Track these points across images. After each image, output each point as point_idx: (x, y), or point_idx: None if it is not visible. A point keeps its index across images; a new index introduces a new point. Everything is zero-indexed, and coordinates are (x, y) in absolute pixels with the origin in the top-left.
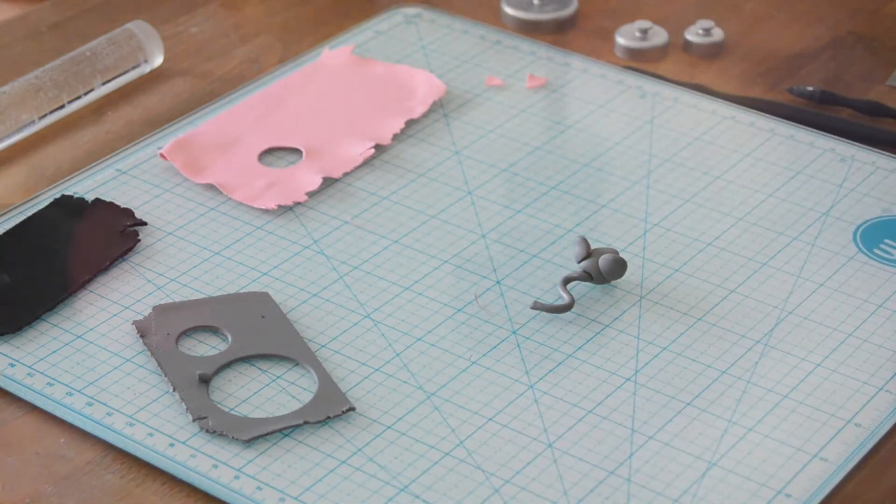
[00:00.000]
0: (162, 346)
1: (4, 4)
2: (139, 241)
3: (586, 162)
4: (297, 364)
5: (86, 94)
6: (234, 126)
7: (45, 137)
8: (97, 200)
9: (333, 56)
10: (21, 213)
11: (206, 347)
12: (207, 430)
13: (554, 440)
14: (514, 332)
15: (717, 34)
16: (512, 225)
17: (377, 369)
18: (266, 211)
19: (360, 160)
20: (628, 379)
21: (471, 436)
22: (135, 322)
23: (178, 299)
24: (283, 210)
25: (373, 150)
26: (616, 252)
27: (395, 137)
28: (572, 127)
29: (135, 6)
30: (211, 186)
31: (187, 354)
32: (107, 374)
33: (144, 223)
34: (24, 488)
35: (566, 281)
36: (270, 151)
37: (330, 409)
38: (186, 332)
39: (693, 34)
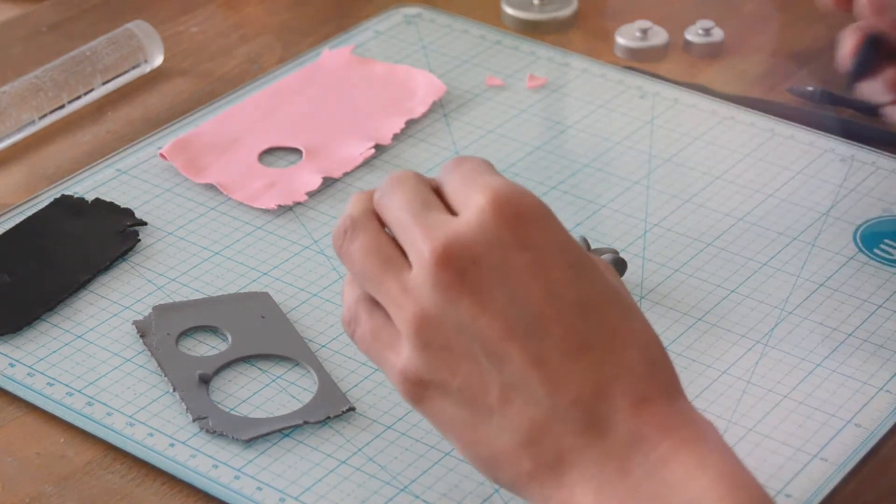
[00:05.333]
0: (162, 346)
1: (4, 4)
2: (139, 241)
3: (586, 162)
4: (297, 364)
5: (86, 94)
6: (234, 126)
7: (45, 137)
8: (97, 200)
9: (333, 56)
10: (21, 213)
11: (206, 347)
12: (207, 430)
13: None
14: None
15: (717, 34)
16: None
17: (377, 369)
18: (266, 211)
19: (360, 160)
20: None
21: None
22: (135, 322)
23: (178, 299)
24: (283, 210)
25: (373, 150)
26: (616, 252)
27: (395, 137)
28: (572, 127)
29: (135, 6)
30: (211, 186)
31: (187, 354)
32: (107, 374)
33: (144, 223)
34: (24, 488)
35: None
36: (270, 151)
37: (330, 409)
38: (186, 332)
39: (693, 34)
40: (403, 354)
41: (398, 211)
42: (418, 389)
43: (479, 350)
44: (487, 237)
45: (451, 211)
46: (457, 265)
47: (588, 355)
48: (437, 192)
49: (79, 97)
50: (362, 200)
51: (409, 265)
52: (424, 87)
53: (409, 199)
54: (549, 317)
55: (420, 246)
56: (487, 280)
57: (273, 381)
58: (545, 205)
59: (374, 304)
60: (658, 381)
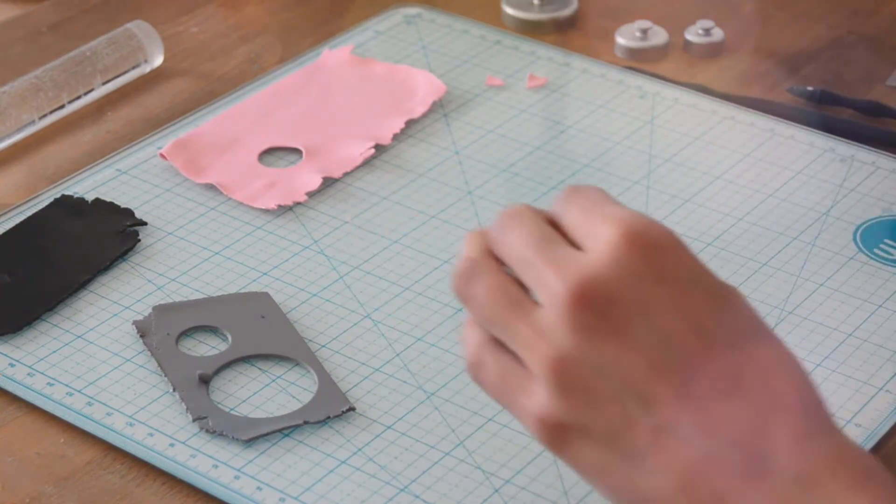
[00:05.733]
0: (162, 346)
1: (4, 4)
2: (139, 241)
3: (586, 162)
4: (297, 364)
5: (86, 94)
6: (234, 126)
7: (45, 137)
8: (97, 200)
9: (333, 56)
10: (21, 213)
11: (206, 347)
12: (207, 430)
13: None
14: None
15: (717, 34)
16: None
17: (377, 369)
18: (266, 211)
19: (360, 160)
20: None
21: (471, 436)
22: (135, 322)
23: (178, 299)
24: (283, 210)
25: (373, 150)
26: None
27: (395, 137)
28: (572, 127)
29: (135, 6)
30: (211, 186)
31: (187, 354)
32: (107, 374)
33: (144, 223)
34: (24, 488)
35: None
36: (270, 151)
37: (330, 409)
38: (186, 332)
39: (693, 34)
40: (539, 398)
41: (520, 248)
42: (558, 434)
43: (625, 391)
44: (623, 272)
45: (574, 244)
46: (595, 304)
47: (741, 390)
48: (554, 225)
49: (79, 97)
50: (477, 241)
51: (537, 304)
52: (424, 87)
53: (529, 235)
54: (696, 352)
55: (552, 284)
56: (628, 318)
57: (273, 381)
58: (675, 234)
59: (500, 346)
60: (814, 414)
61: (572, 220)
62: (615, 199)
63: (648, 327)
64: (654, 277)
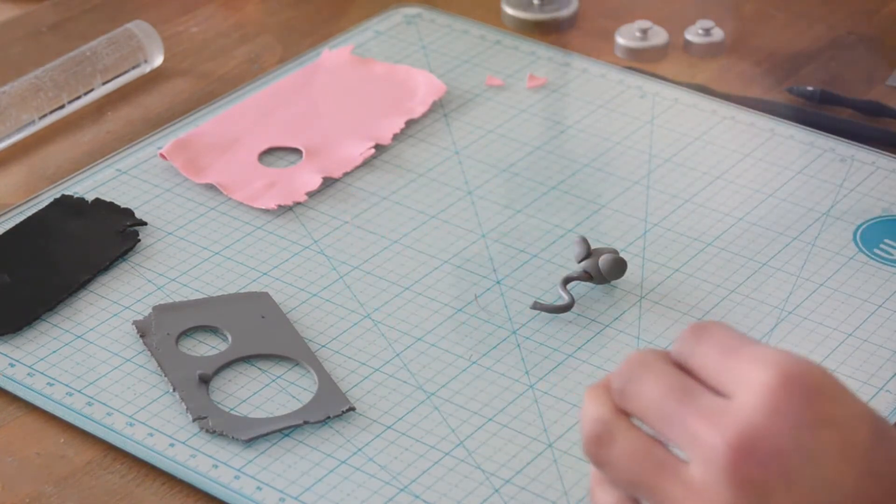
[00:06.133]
0: (162, 346)
1: (4, 4)
2: (139, 241)
3: (586, 162)
4: (297, 364)
5: (86, 94)
6: (234, 126)
7: (45, 137)
8: (97, 200)
9: (333, 56)
10: (21, 213)
11: (206, 347)
12: (207, 430)
13: (554, 440)
14: (514, 332)
15: (717, 34)
16: (512, 225)
17: (377, 369)
18: (266, 211)
19: (360, 160)
20: None
21: (471, 436)
22: (135, 322)
23: (178, 299)
24: (283, 210)
25: (373, 150)
26: (616, 252)
27: (395, 137)
28: (572, 127)
29: (135, 6)
30: (211, 186)
31: (187, 354)
32: (107, 374)
33: (144, 223)
34: (24, 488)
35: (566, 281)
36: (270, 151)
37: (330, 409)
38: (186, 332)
39: (693, 34)
40: None
41: (658, 402)
42: None
43: None
44: (784, 420)
45: (714, 390)
46: (758, 457)
47: None
48: (683, 369)
49: (79, 97)
50: (602, 397)
51: (684, 461)
52: (424, 87)
53: (665, 386)
54: (873, 498)
55: (706, 439)
56: (794, 468)
57: (273, 381)
58: (827, 369)
59: None
60: None
61: (709, 363)
62: (746, 334)
63: (819, 476)
64: (817, 422)
